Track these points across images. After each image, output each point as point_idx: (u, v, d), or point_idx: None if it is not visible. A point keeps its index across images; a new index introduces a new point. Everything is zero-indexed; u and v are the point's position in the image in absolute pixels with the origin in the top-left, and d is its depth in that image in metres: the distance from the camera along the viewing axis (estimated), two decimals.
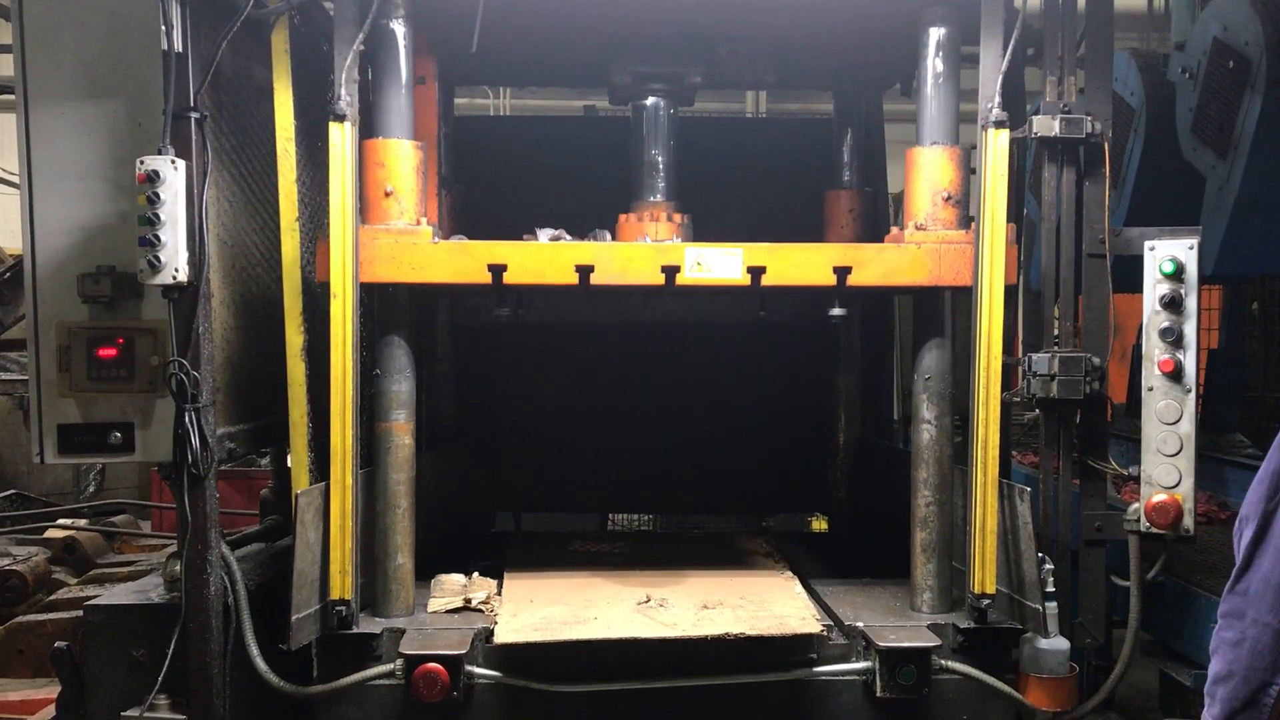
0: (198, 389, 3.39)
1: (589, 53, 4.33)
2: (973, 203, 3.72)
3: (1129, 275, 3.80)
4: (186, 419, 3.39)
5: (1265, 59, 4.56)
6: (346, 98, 3.53)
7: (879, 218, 5.02)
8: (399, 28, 3.71)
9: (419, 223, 3.71)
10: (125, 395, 3.51)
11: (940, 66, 3.81)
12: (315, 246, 3.72)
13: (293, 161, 3.70)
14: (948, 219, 3.77)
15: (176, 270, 3.33)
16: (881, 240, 4.01)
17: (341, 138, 3.52)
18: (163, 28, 3.33)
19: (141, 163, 3.31)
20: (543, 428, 5.57)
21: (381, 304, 3.82)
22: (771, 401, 5.57)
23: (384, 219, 3.68)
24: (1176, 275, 3.59)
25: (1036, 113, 3.81)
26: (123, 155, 3.44)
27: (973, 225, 3.69)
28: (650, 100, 4.19)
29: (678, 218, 4.08)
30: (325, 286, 3.58)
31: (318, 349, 3.74)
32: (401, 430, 3.78)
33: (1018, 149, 3.97)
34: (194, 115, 3.40)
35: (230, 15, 3.49)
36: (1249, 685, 2.07)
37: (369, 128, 3.73)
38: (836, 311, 3.86)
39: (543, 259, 3.69)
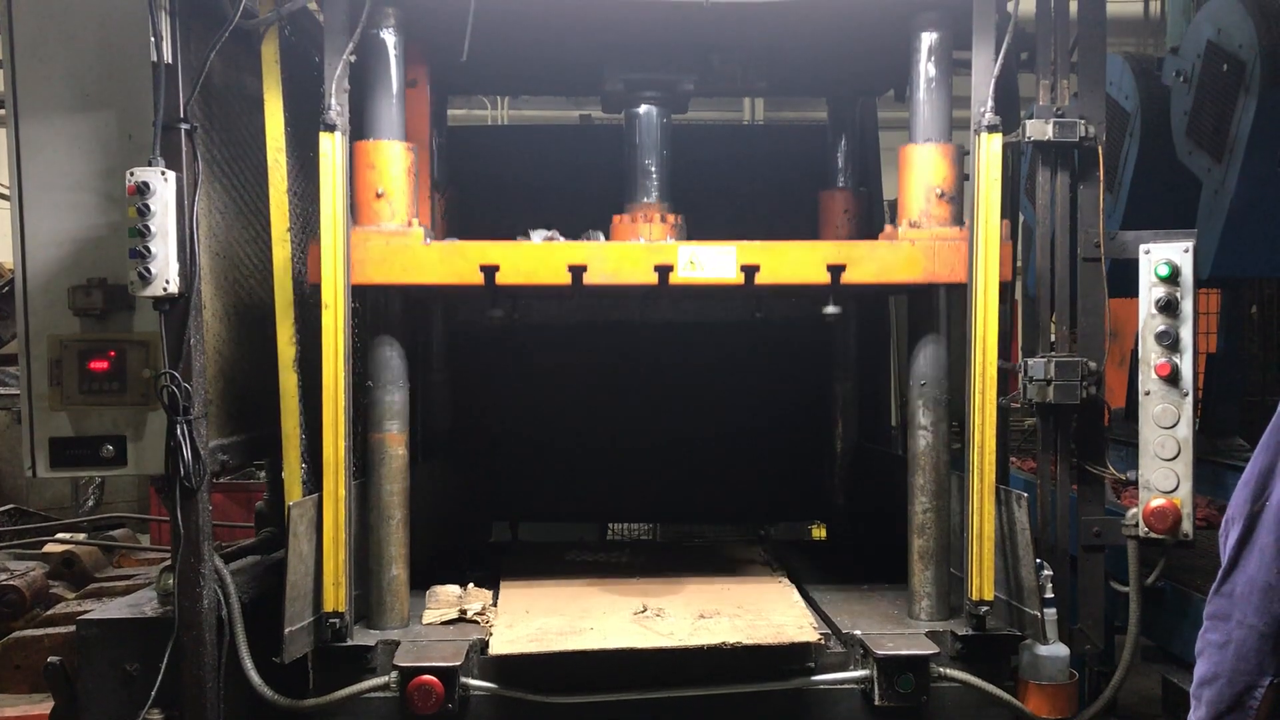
0: (189, 401, 3.37)
1: (581, 61, 4.32)
2: (966, 203, 3.70)
3: (1127, 279, 3.78)
4: (178, 431, 3.37)
5: (1259, 61, 4.54)
6: (337, 107, 3.52)
7: (874, 219, 5.00)
8: (389, 37, 3.71)
9: (410, 224, 3.71)
10: (117, 408, 3.50)
11: (933, 71, 3.81)
12: (307, 253, 3.70)
13: (284, 172, 3.69)
14: (942, 215, 3.76)
15: (167, 282, 3.33)
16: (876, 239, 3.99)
17: (332, 148, 3.51)
18: (152, 39, 3.33)
19: (131, 174, 3.30)
20: (539, 437, 5.55)
21: (374, 312, 3.81)
22: (769, 410, 5.56)
23: (375, 221, 3.68)
24: (1172, 278, 3.58)
25: (1030, 117, 3.80)
26: (113, 167, 3.43)
27: (967, 222, 3.68)
28: (643, 109, 4.18)
29: (671, 218, 4.07)
30: (318, 297, 3.58)
31: (310, 360, 3.73)
32: (395, 441, 3.76)
33: (1013, 154, 3.96)
34: (184, 126, 3.39)
35: (220, 26, 3.47)
36: (1234, 688, 2.07)
37: (360, 130, 3.72)
38: (830, 309, 3.84)
39: (535, 259, 3.67)
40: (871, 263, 3.71)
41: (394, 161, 3.70)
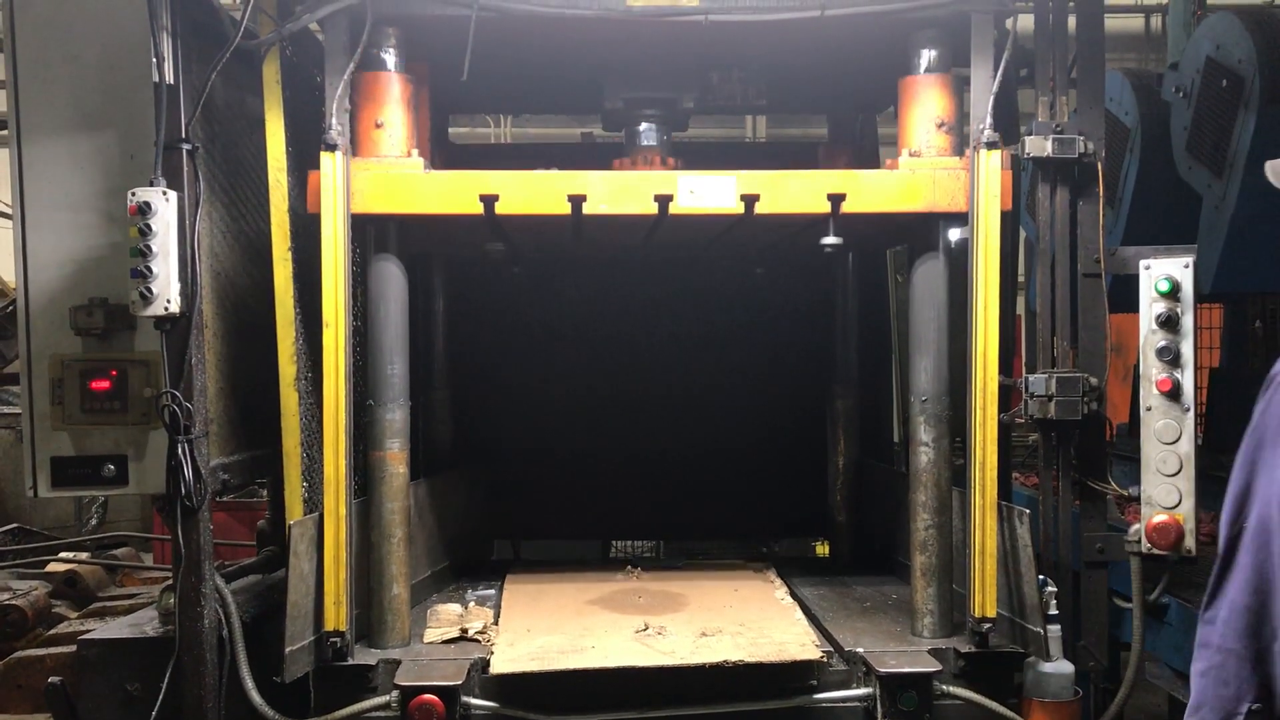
0: (190, 420, 3.38)
1: (582, 79, 4.33)
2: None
3: (1129, 295, 3.78)
4: (179, 450, 3.38)
5: (1258, 77, 4.54)
6: (338, 127, 3.54)
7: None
8: (390, 57, 3.72)
9: (410, 154, 3.71)
10: (118, 427, 3.51)
11: None
12: (308, 280, 3.70)
13: (285, 191, 3.69)
14: (942, 146, 3.76)
15: (168, 301, 3.34)
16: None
17: (333, 167, 3.52)
18: (154, 60, 3.34)
19: (133, 194, 3.32)
20: (542, 456, 5.55)
21: (377, 238, 3.77)
22: (772, 426, 5.56)
23: (375, 152, 3.68)
24: (1172, 294, 3.57)
25: (1030, 133, 3.81)
26: (115, 187, 3.45)
27: (967, 152, 3.68)
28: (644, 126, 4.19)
29: (671, 162, 4.07)
30: (319, 317, 3.58)
31: (311, 379, 3.73)
32: (396, 459, 3.76)
33: (1014, 169, 3.96)
34: (185, 146, 3.41)
35: (222, 46, 3.49)
36: (1216, 714, 2.07)
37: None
38: (829, 240, 3.74)
39: (535, 188, 3.65)
40: (872, 191, 3.69)
41: (393, 92, 3.70)
